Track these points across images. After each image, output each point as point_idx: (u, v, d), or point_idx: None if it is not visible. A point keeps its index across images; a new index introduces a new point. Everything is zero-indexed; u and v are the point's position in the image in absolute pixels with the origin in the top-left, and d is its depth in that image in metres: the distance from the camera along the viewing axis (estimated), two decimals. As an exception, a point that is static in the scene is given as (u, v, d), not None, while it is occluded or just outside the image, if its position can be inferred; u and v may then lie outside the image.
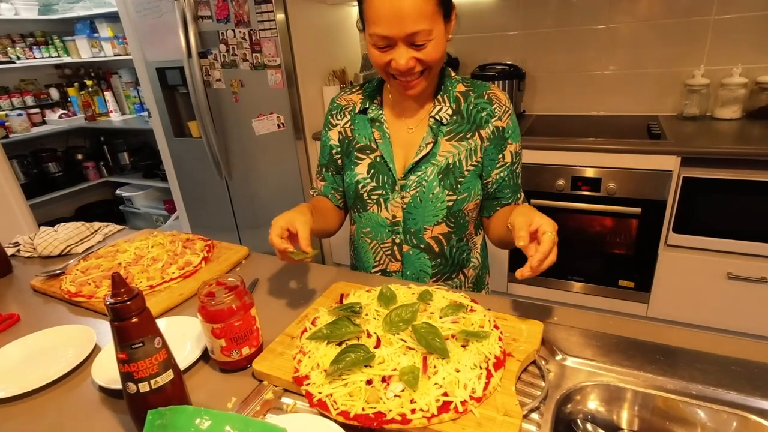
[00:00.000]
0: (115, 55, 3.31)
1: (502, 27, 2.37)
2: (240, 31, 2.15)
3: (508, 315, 0.79)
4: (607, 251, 1.96)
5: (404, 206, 0.99)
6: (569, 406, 0.66)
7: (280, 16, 2.07)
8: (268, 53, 2.14)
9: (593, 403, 0.68)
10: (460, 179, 0.95)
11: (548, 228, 0.74)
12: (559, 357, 0.72)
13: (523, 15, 2.30)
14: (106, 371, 0.73)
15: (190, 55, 2.24)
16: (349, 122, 1.04)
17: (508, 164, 0.97)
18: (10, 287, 1.09)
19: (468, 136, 0.95)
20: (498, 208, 1.01)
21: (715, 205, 1.72)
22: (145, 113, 3.30)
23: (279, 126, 2.26)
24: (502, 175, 0.97)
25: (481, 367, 0.64)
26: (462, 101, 0.96)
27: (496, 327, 0.73)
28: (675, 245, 1.83)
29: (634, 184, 1.80)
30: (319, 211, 1.02)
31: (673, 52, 2.08)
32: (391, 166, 0.98)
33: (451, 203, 0.96)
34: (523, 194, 1.02)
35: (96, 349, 0.83)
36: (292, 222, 0.82)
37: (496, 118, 0.94)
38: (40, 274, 1.08)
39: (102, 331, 0.88)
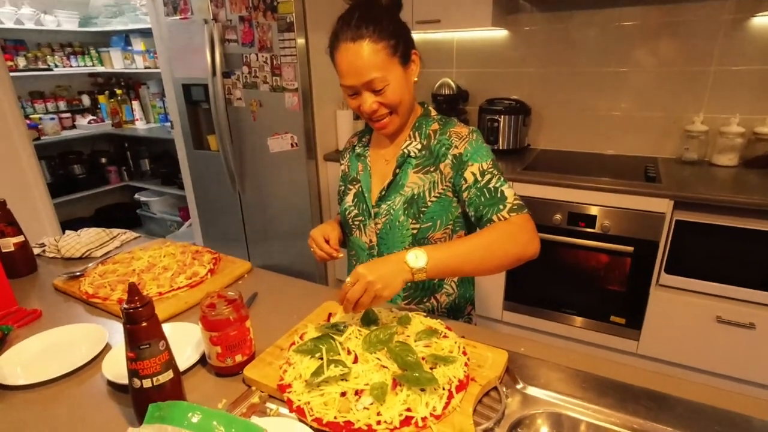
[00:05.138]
0: (145, 68, 3.50)
1: (513, 64, 2.48)
2: (262, 56, 2.29)
3: (478, 343, 0.86)
4: (601, 286, 2.01)
5: (377, 232, 1.09)
6: (521, 429, 0.73)
7: (301, 42, 2.21)
8: (287, 77, 2.27)
9: (544, 429, 0.74)
10: (423, 209, 1.03)
11: (353, 276, 0.83)
12: (520, 385, 0.79)
13: (533, 54, 2.41)
14: (115, 368, 0.82)
15: (214, 74, 2.39)
16: (348, 160, 1.19)
17: (471, 184, 0.99)
18: (34, 285, 1.20)
19: (431, 169, 1.03)
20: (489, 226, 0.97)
21: (707, 249, 1.77)
22: (168, 124, 3.46)
23: (292, 145, 2.38)
24: (470, 195, 0.99)
25: (444, 389, 0.71)
26: (432, 138, 1.05)
27: (464, 353, 0.81)
28: (667, 285, 1.88)
29: (627, 223, 1.86)
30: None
31: (676, 98, 2.16)
32: (366, 195, 1.10)
33: (415, 231, 1.04)
34: (511, 204, 0.95)
35: (107, 347, 0.92)
36: (325, 232, 1.11)
37: (453, 147, 1.01)
38: (62, 275, 1.19)
39: (113, 331, 0.97)
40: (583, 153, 2.41)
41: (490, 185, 0.97)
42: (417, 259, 0.83)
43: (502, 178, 0.98)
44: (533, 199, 2.00)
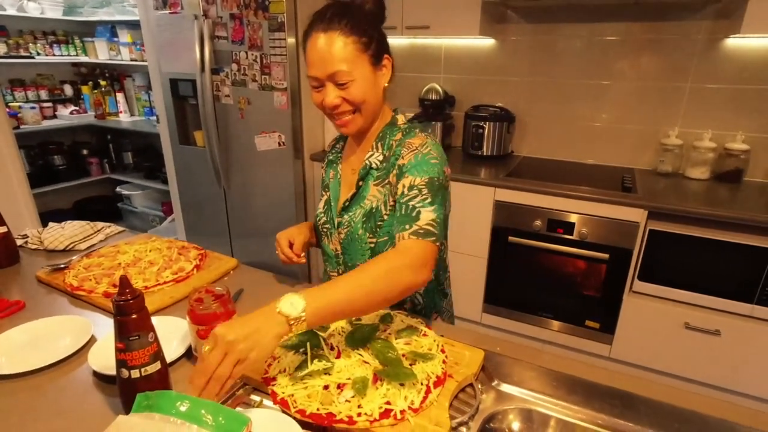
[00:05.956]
0: (131, 60, 3.46)
1: (499, 72, 2.54)
2: (252, 54, 2.30)
3: (456, 342, 0.90)
4: (577, 292, 2.08)
5: (341, 241, 1.08)
6: (494, 423, 0.77)
7: (291, 42, 2.22)
8: (276, 76, 2.28)
9: (516, 424, 0.78)
10: (380, 223, 1.01)
11: (210, 340, 0.68)
12: (495, 382, 0.83)
13: (519, 63, 2.47)
14: (101, 359, 0.83)
15: (203, 70, 2.39)
16: (325, 165, 1.20)
17: (399, 196, 0.93)
18: (17, 276, 1.20)
19: (386, 181, 1.00)
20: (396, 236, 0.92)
21: (678, 258, 1.85)
22: (154, 117, 3.43)
23: (279, 144, 2.40)
24: (395, 208, 0.96)
25: (422, 384, 0.75)
26: (393, 149, 1.01)
27: (442, 351, 0.84)
28: (639, 292, 1.95)
29: (604, 231, 1.93)
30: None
31: (653, 112, 2.25)
32: (333, 204, 1.10)
33: (372, 245, 1.02)
34: (419, 227, 0.87)
35: (92, 339, 0.93)
36: (292, 236, 1.12)
37: (400, 158, 0.97)
38: (46, 267, 1.19)
39: (98, 323, 0.98)
40: (564, 161, 2.48)
41: (411, 203, 0.90)
42: (293, 306, 0.71)
43: (428, 200, 0.90)
44: (515, 204, 2.06)
